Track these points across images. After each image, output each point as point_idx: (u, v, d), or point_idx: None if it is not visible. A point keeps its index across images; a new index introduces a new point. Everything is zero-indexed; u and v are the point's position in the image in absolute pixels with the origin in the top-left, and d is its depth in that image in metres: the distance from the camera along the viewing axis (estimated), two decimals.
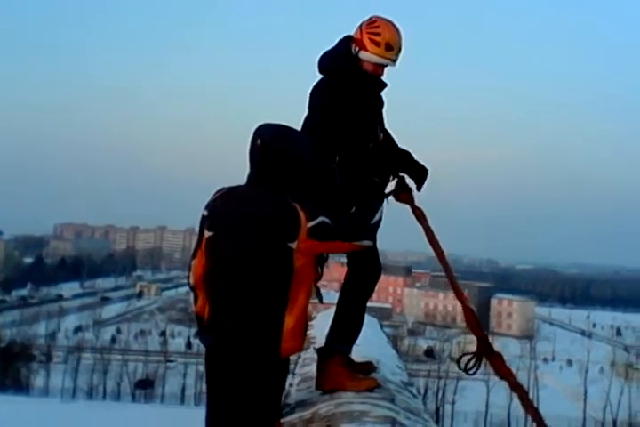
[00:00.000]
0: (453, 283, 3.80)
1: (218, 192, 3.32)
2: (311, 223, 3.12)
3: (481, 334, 3.64)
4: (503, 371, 3.58)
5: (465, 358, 3.72)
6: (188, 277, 3.40)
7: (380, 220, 3.50)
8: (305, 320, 3.25)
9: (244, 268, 3.14)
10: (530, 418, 3.51)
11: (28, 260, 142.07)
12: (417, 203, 3.97)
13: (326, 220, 3.17)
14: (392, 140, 4.12)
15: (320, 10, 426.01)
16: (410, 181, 3.99)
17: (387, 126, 4.14)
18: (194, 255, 3.36)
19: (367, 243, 3.39)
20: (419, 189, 3.98)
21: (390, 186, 3.94)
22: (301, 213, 3.12)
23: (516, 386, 3.54)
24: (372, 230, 3.46)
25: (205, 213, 3.29)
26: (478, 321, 3.68)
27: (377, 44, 3.80)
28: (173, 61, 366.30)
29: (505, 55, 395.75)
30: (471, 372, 3.64)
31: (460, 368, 3.76)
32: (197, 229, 3.36)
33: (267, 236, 3.12)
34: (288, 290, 3.14)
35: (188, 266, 3.42)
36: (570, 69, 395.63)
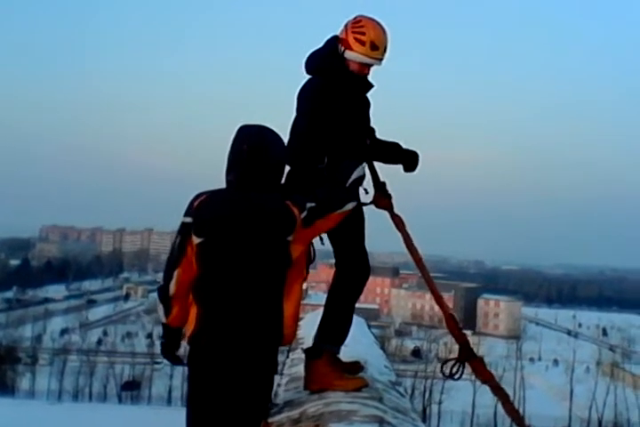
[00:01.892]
0: (433, 289, 3.83)
1: (197, 198, 3.28)
2: (303, 214, 3.26)
3: (462, 339, 3.67)
4: (485, 375, 3.61)
5: (448, 364, 3.75)
6: (166, 288, 3.30)
7: (360, 177, 3.60)
8: (300, 306, 3.35)
9: (246, 266, 3.18)
10: (512, 421, 3.53)
11: (14, 262, 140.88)
12: (396, 210, 4.00)
13: (311, 204, 3.31)
14: (377, 140, 4.12)
15: (309, 9, 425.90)
16: (391, 187, 4.03)
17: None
18: (176, 264, 3.28)
19: (349, 206, 3.47)
20: (413, 170, 4.09)
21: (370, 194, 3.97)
22: (294, 208, 3.24)
23: (497, 390, 3.57)
24: (350, 192, 3.53)
25: (189, 219, 3.24)
26: (459, 327, 3.73)
27: (362, 43, 3.81)
28: (163, 61, 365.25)
29: (476, 52, 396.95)
30: (456, 377, 3.67)
31: (443, 374, 3.79)
32: (178, 236, 3.27)
33: (266, 233, 3.19)
34: (285, 279, 3.25)
35: (168, 276, 3.30)
36: (550, 67, 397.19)
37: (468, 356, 3.64)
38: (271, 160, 3.29)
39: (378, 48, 3.83)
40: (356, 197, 3.61)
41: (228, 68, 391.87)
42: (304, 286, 3.80)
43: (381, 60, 3.89)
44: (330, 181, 3.56)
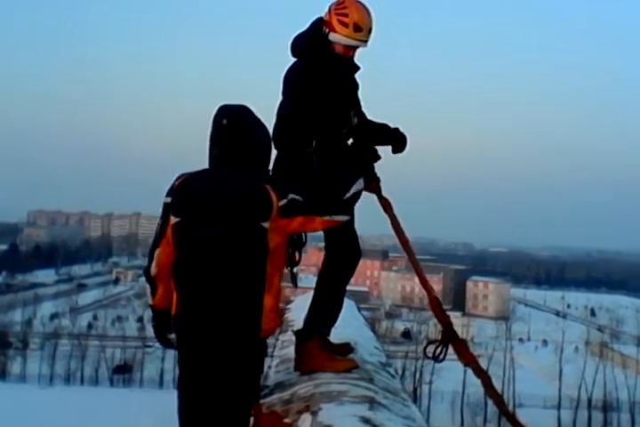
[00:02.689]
0: (419, 271, 3.84)
1: (179, 178, 3.27)
2: (282, 202, 3.15)
3: (446, 321, 3.69)
4: (467, 357, 3.64)
5: (432, 346, 3.78)
6: (149, 268, 3.33)
7: (357, 193, 3.46)
8: (280, 299, 3.26)
9: (219, 250, 3.11)
10: (493, 403, 3.57)
11: (2, 247, 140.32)
12: (384, 193, 4.01)
13: (296, 197, 3.20)
14: (368, 122, 4.12)
15: None
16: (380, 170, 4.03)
17: (363, 109, 4.16)
18: (157, 244, 3.30)
19: (341, 218, 3.36)
20: (401, 151, 4.07)
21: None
22: (272, 193, 3.14)
23: (479, 372, 3.60)
24: (346, 205, 3.42)
25: (168, 199, 3.24)
26: (443, 309, 3.74)
27: (345, 25, 3.79)
28: (156, 47, 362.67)
29: (459, 37, 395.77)
30: (439, 359, 3.70)
31: (426, 356, 3.82)
32: (160, 217, 3.29)
33: (240, 216, 3.11)
34: (264, 270, 3.14)
35: (149, 256, 3.33)
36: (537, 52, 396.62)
37: (451, 338, 3.66)
38: (252, 136, 3.25)
39: (362, 30, 3.80)
40: (350, 213, 3.50)
41: (221, 55, 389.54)
42: (295, 270, 3.82)
43: (366, 41, 3.86)
44: (327, 185, 3.48)
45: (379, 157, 3.99)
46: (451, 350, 3.71)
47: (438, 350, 3.72)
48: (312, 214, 3.25)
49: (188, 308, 3.19)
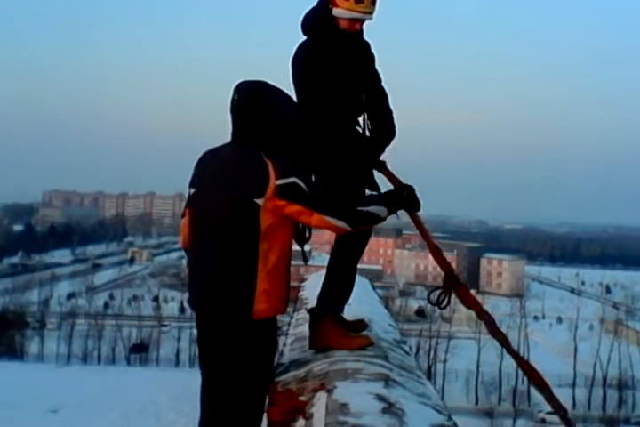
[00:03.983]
0: (417, 221, 3.76)
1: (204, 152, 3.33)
2: (280, 181, 3.05)
3: (447, 268, 3.68)
4: (469, 301, 3.65)
5: (435, 293, 3.78)
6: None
7: (373, 215, 3.28)
8: (283, 283, 3.18)
9: (214, 224, 3.12)
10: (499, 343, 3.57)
11: (18, 228, 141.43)
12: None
13: (299, 181, 3.09)
14: (379, 98, 4.04)
15: None
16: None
17: (383, 83, 4.07)
18: (183, 214, 3.38)
19: (341, 224, 3.20)
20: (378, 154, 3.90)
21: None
22: (271, 170, 3.05)
23: (482, 313, 3.61)
24: (353, 215, 3.23)
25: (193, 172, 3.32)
26: (443, 257, 3.73)
27: None
28: (168, 27, 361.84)
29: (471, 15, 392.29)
30: (442, 305, 3.70)
31: (430, 303, 3.82)
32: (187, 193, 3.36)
33: (233, 190, 3.08)
34: (256, 249, 3.07)
35: (180, 227, 3.44)
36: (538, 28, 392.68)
37: (453, 284, 3.67)
38: (263, 112, 3.17)
39: (363, 1, 3.69)
40: (354, 225, 3.24)
41: (235, 33, 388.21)
42: (306, 247, 3.79)
43: (370, 13, 3.74)
44: (338, 191, 3.40)
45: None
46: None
47: (441, 297, 3.72)
48: (311, 207, 3.12)
49: (191, 279, 3.25)
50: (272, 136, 3.21)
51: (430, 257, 3.88)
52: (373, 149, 3.87)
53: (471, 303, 3.64)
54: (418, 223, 3.73)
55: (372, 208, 3.27)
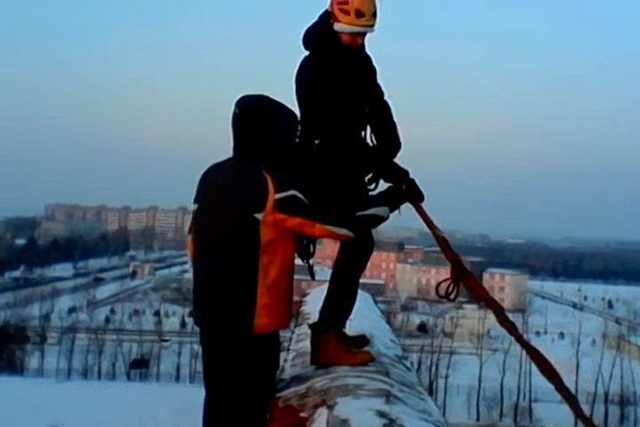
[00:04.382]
0: (422, 213, 3.73)
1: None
2: (279, 195, 3.04)
3: (454, 259, 3.67)
4: (477, 290, 3.63)
5: (443, 285, 3.76)
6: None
7: (375, 217, 3.29)
8: (285, 297, 3.18)
9: (215, 239, 3.12)
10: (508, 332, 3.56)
11: (21, 241, 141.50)
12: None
13: (298, 194, 3.08)
14: (383, 111, 4.03)
15: None
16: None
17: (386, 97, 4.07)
18: (189, 231, 3.39)
19: (344, 232, 3.20)
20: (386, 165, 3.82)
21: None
22: (270, 184, 3.04)
23: (491, 302, 3.59)
24: (355, 221, 3.23)
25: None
26: (451, 248, 3.72)
27: (346, 12, 3.71)
28: (170, 41, 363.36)
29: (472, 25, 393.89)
30: (451, 297, 3.68)
31: (439, 295, 3.80)
32: (190, 208, 3.38)
33: (233, 205, 3.07)
34: (256, 263, 3.07)
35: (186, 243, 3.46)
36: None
37: (460, 274, 3.65)
38: (263, 127, 3.17)
39: (364, 15, 3.70)
40: (357, 230, 3.26)
41: (237, 42, 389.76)
42: (311, 262, 3.77)
43: (372, 26, 3.76)
44: (338, 199, 3.39)
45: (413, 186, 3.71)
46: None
47: (450, 289, 3.70)
48: (313, 219, 3.11)
49: (195, 294, 3.25)
50: (273, 150, 3.22)
51: (433, 271, 3.88)
52: (380, 160, 3.85)
53: (479, 293, 3.63)
54: (423, 215, 3.72)
55: (372, 210, 3.29)
